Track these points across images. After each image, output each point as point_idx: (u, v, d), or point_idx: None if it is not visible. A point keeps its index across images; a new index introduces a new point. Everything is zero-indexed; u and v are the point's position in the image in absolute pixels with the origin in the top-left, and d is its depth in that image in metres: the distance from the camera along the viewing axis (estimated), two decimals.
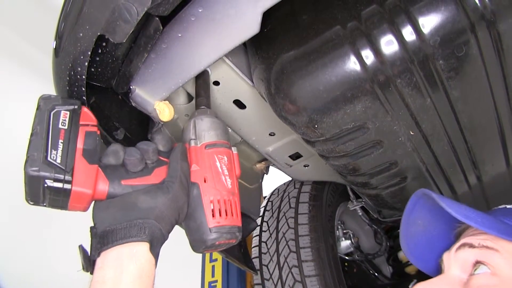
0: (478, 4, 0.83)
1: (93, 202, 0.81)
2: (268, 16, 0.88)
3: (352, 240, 1.97)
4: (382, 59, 0.89)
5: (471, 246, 0.84)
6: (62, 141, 0.77)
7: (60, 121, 0.79)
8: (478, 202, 1.42)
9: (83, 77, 0.86)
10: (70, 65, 0.86)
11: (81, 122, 0.82)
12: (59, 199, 0.76)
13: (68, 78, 0.87)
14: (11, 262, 3.47)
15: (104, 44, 0.87)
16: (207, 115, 0.98)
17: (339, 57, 0.91)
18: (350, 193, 1.94)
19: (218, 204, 0.88)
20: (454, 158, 1.17)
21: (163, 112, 1.02)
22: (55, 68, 0.91)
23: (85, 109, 0.86)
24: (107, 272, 0.73)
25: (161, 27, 0.88)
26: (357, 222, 2.17)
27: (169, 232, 0.83)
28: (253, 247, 1.84)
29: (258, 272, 1.73)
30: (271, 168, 1.70)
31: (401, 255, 2.12)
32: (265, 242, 1.79)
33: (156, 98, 1.02)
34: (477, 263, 0.82)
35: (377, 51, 0.89)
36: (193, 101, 1.08)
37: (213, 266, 2.43)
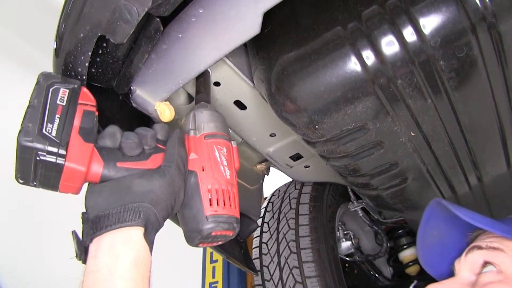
0: (479, 5, 0.83)
1: (86, 186, 0.78)
2: (268, 16, 0.88)
3: (353, 241, 1.97)
4: (383, 59, 0.89)
5: (479, 248, 0.91)
6: (59, 116, 0.75)
7: (59, 97, 0.78)
8: (479, 203, 1.42)
9: (84, 77, 0.86)
10: (71, 65, 0.86)
11: (80, 101, 0.80)
12: (51, 175, 0.74)
13: None
14: (11, 262, 3.47)
15: (104, 44, 0.87)
16: (207, 108, 0.97)
17: (339, 57, 0.91)
18: (351, 194, 1.94)
19: (216, 193, 0.85)
20: (454, 159, 1.17)
21: (164, 112, 1.02)
22: (56, 68, 0.91)
23: (85, 89, 0.84)
24: (101, 260, 0.70)
25: (162, 28, 0.88)
26: (357, 223, 2.18)
27: (164, 219, 0.80)
28: (254, 248, 1.84)
29: (259, 273, 1.73)
30: (271, 169, 1.70)
31: (402, 256, 2.12)
32: (266, 243, 1.79)
33: (157, 99, 1.02)
34: (485, 263, 0.89)
35: (377, 52, 0.89)
36: (194, 102, 1.08)
37: (213, 267, 2.44)
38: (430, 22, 0.85)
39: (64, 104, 0.77)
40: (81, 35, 0.82)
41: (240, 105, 1.25)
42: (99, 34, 0.81)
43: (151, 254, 0.76)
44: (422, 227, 1.06)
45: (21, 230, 3.49)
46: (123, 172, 0.79)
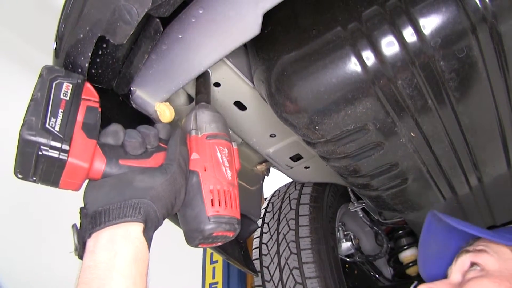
0: (479, 5, 0.82)
1: (86, 182, 0.78)
2: (268, 17, 0.88)
3: (353, 242, 1.97)
4: (383, 60, 0.89)
5: (467, 251, 1.05)
6: (62, 110, 0.74)
7: (62, 91, 0.77)
8: (479, 203, 1.41)
9: (84, 78, 0.86)
10: (71, 66, 0.86)
11: (83, 96, 0.80)
12: (52, 171, 0.73)
13: None
14: (11, 262, 3.47)
15: (104, 45, 0.87)
16: (208, 108, 0.97)
17: (339, 58, 0.91)
18: (351, 195, 1.94)
19: (218, 194, 0.85)
20: (455, 159, 1.17)
21: (164, 113, 1.02)
22: None
23: (88, 85, 0.83)
24: (99, 255, 0.69)
25: (162, 28, 0.88)
26: (358, 224, 2.17)
27: (164, 217, 0.80)
28: (254, 248, 1.84)
29: (259, 273, 1.73)
30: (271, 169, 1.70)
31: (402, 256, 2.12)
32: (266, 244, 1.79)
33: (157, 100, 1.02)
34: (472, 264, 1.02)
35: (377, 52, 0.89)
36: (194, 103, 1.08)
37: (213, 268, 2.44)
38: (430, 23, 0.85)
39: (67, 98, 0.76)
40: (81, 35, 0.82)
41: (240, 105, 1.25)
42: (99, 35, 0.81)
43: (149, 251, 0.75)
44: (421, 241, 1.17)
45: (20, 229, 3.49)
46: (125, 169, 0.78)
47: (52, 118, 0.72)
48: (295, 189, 1.89)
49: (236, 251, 1.51)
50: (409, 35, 0.87)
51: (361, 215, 1.98)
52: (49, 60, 0.93)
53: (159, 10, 0.81)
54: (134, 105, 1.03)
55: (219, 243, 0.89)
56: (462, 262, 1.04)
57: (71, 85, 0.79)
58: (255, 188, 1.59)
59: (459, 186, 1.30)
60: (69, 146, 0.72)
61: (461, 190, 1.32)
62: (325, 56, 0.92)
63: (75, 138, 0.73)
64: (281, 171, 1.65)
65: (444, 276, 1.11)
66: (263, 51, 1.01)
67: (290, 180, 1.89)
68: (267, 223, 1.86)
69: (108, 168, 0.77)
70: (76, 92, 0.79)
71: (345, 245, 1.96)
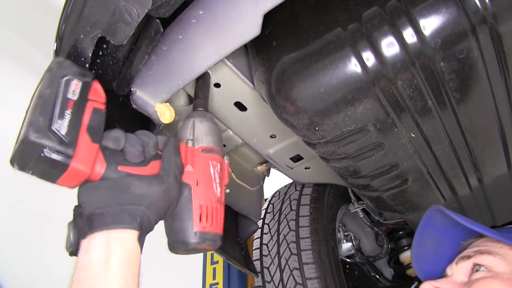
0: (479, 6, 0.82)
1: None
2: (269, 18, 0.88)
3: (353, 243, 1.97)
4: (383, 61, 0.89)
5: (468, 257, 1.03)
6: (69, 112, 0.73)
7: (71, 90, 0.75)
8: (480, 204, 1.41)
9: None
10: None
11: (90, 97, 0.78)
12: (53, 171, 0.71)
13: None
14: (11, 262, 3.47)
15: (104, 46, 0.87)
16: (206, 118, 0.98)
17: (340, 59, 0.91)
18: (351, 195, 1.94)
19: (206, 210, 0.87)
20: (455, 160, 1.17)
21: (164, 114, 1.02)
22: None
23: (96, 85, 0.82)
24: (94, 255, 0.70)
25: (162, 29, 0.88)
26: (358, 224, 2.17)
27: (156, 223, 0.81)
28: (254, 249, 1.84)
29: (259, 274, 1.73)
30: (272, 170, 1.70)
31: (403, 257, 2.12)
32: (266, 245, 1.79)
33: (157, 100, 1.02)
34: (475, 265, 1.01)
35: (378, 53, 0.89)
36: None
37: (214, 269, 2.44)
38: (430, 23, 0.85)
39: (75, 99, 0.75)
40: (81, 36, 0.82)
41: (240, 106, 1.25)
42: (99, 35, 0.81)
43: (141, 254, 0.76)
44: (417, 236, 1.15)
45: (21, 230, 3.49)
46: (123, 175, 0.79)
47: (58, 120, 0.71)
48: (296, 190, 1.89)
49: (236, 252, 1.51)
50: (409, 36, 0.87)
51: (361, 216, 1.98)
52: (49, 61, 0.93)
53: (159, 11, 0.81)
54: (134, 106, 1.03)
55: (198, 253, 0.92)
56: (465, 267, 1.03)
57: (80, 84, 0.77)
58: (255, 188, 1.59)
59: (459, 186, 1.30)
60: (74, 151, 0.71)
61: (461, 191, 1.32)
62: (325, 57, 0.92)
63: (80, 142, 0.73)
64: (281, 172, 1.65)
65: (442, 273, 1.10)
66: (263, 52, 1.01)
67: (291, 180, 1.89)
68: (268, 224, 1.86)
69: (107, 173, 0.77)
70: (84, 92, 0.77)
71: (346, 246, 1.96)
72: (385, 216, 1.74)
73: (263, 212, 1.93)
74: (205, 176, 0.90)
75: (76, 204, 0.75)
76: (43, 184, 0.75)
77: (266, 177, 1.68)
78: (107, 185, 0.76)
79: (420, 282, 1.11)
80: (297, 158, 1.54)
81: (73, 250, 0.73)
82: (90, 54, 0.83)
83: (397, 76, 0.91)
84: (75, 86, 0.76)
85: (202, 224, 0.86)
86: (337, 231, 1.92)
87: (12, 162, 0.71)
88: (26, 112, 0.75)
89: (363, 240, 2.20)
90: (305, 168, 1.61)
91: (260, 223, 1.88)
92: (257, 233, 1.87)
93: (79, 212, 0.73)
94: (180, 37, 0.94)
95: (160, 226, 0.86)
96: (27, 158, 0.70)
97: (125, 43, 0.82)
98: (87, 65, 0.85)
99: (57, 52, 0.89)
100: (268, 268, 1.71)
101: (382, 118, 0.99)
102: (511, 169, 1.24)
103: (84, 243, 0.71)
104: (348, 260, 2.01)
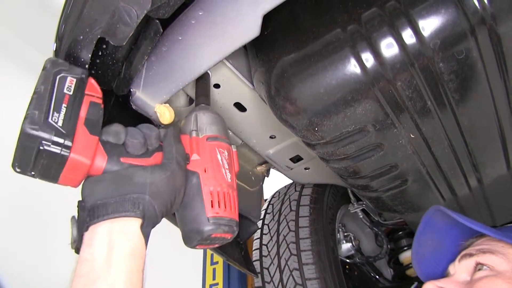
0: (478, 7, 0.83)
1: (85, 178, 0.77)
2: (268, 19, 0.88)
3: (353, 243, 1.97)
4: (382, 62, 0.89)
5: (470, 255, 1.03)
6: (65, 105, 0.73)
7: (66, 86, 0.76)
8: (479, 204, 1.42)
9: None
10: None
11: (86, 92, 0.79)
12: (53, 166, 0.71)
13: None
14: (11, 262, 3.47)
15: (104, 46, 0.87)
16: (208, 110, 0.97)
17: (339, 60, 0.91)
18: (351, 196, 1.94)
19: (218, 195, 0.85)
20: (454, 160, 1.17)
21: (164, 115, 1.02)
22: None
23: (92, 80, 0.82)
24: (97, 248, 0.68)
25: (161, 30, 0.88)
26: (358, 225, 2.17)
27: (162, 215, 0.79)
28: (254, 250, 1.84)
29: (259, 275, 1.73)
30: (272, 170, 1.70)
31: (402, 257, 2.12)
32: (266, 245, 1.79)
33: (157, 101, 1.02)
34: (477, 264, 1.00)
35: (377, 54, 0.89)
36: (193, 104, 1.08)
37: (214, 269, 2.44)
38: (429, 24, 0.85)
39: (71, 93, 0.75)
40: (81, 36, 0.82)
41: (240, 107, 1.25)
42: (99, 36, 0.81)
43: (146, 248, 0.75)
44: (418, 236, 1.15)
45: (21, 230, 3.49)
46: (126, 166, 0.78)
47: (55, 112, 0.71)
48: (295, 191, 1.89)
49: (236, 252, 1.51)
50: (408, 37, 0.87)
51: (361, 216, 1.98)
52: None
53: (159, 12, 0.81)
54: (134, 107, 1.03)
55: (217, 245, 0.89)
56: (467, 265, 1.03)
57: (75, 80, 0.78)
58: (255, 189, 1.59)
59: (459, 187, 1.30)
60: (72, 142, 0.71)
61: (460, 191, 1.32)
62: (325, 58, 0.92)
63: (77, 134, 0.73)
64: (281, 172, 1.65)
65: (442, 273, 1.10)
66: (262, 52, 1.01)
67: (290, 181, 1.89)
68: (267, 225, 1.86)
69: (109, 165, 0.77)
70: (80, 87, 0.78)
71: (345, 246, 1.97)
72: (385, 216, 1.74)
73: (262, 212, 1.93)
74: (213, 162, 0.88)
75: (80, 199, 0.75)
76: (43, 182, 0.75)
77: (266, 177, 1.68)
78: (110, 177, 0.75)
79: (420, 282, 1.11)
80: (296, 159, 1.54)
81: (78, 246, 0.72)
82: (89, 55, 0.83)
83: (397, 77, 0.91)
84: (70, 82, 0.77)
85: (215, 210, 0.83)
86: (337, 231, 1.92)
87: (13, 165, 0.71)
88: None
89: (362, 241, 2.20)
90: (305, 169, 1.61)
91: (259, 223, 1.88)
92: (257, 234, 1.87)
93: (82, 205, 0.73)
94: (180, 38, 0.95)
95: (161, 225, 0.85)
96: (27, 155, 0.70)
97: (124, 43, 0.82)
98: (86, 66, 0.85)
99: (56, 53, 0.89)
100: (268, 269, 1.71)
101: (381, 119, 0.99)
102: (510, 169, 1.25)
103: (87, 236, 0.70)
104: (347, 260, 2.02)
